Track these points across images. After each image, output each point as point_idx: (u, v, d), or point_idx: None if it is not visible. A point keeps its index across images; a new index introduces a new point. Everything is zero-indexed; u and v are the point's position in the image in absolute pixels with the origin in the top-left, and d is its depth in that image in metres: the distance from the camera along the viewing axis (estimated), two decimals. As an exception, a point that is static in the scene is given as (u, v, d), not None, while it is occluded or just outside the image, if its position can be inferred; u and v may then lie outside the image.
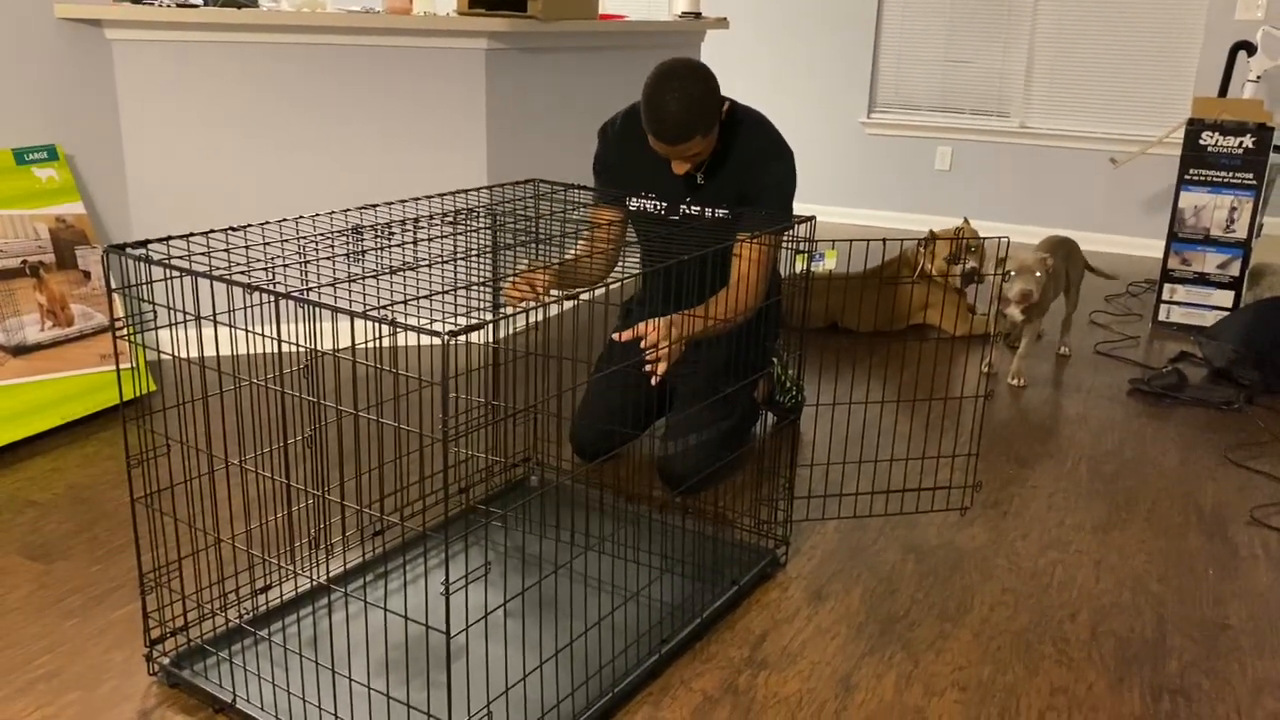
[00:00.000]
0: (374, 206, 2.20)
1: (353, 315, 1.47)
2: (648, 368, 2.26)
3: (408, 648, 1.98)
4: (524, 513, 2.56)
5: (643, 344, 2.28)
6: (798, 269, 2.20)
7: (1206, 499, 2.84)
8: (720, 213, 2.63)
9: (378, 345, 1.87)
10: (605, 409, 2.79)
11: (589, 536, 2.42)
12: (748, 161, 2.63)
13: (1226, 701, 1.98)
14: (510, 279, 2.26)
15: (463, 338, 1.40)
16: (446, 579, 1.44)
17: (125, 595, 2.21)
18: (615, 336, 2.31)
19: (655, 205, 2.71)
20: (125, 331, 1.71)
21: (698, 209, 2.66)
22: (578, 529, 2.47)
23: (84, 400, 3.10)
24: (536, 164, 3.99)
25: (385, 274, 1.64)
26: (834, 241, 2.27)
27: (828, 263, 2.24)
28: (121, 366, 3.19)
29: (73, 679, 1.93)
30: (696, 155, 2.52)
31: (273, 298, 1.59)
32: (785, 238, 2.17)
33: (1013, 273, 3.57)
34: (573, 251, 2.63)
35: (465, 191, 2.48)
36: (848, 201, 6.54)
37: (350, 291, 1.62)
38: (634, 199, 2.72)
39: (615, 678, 1.91)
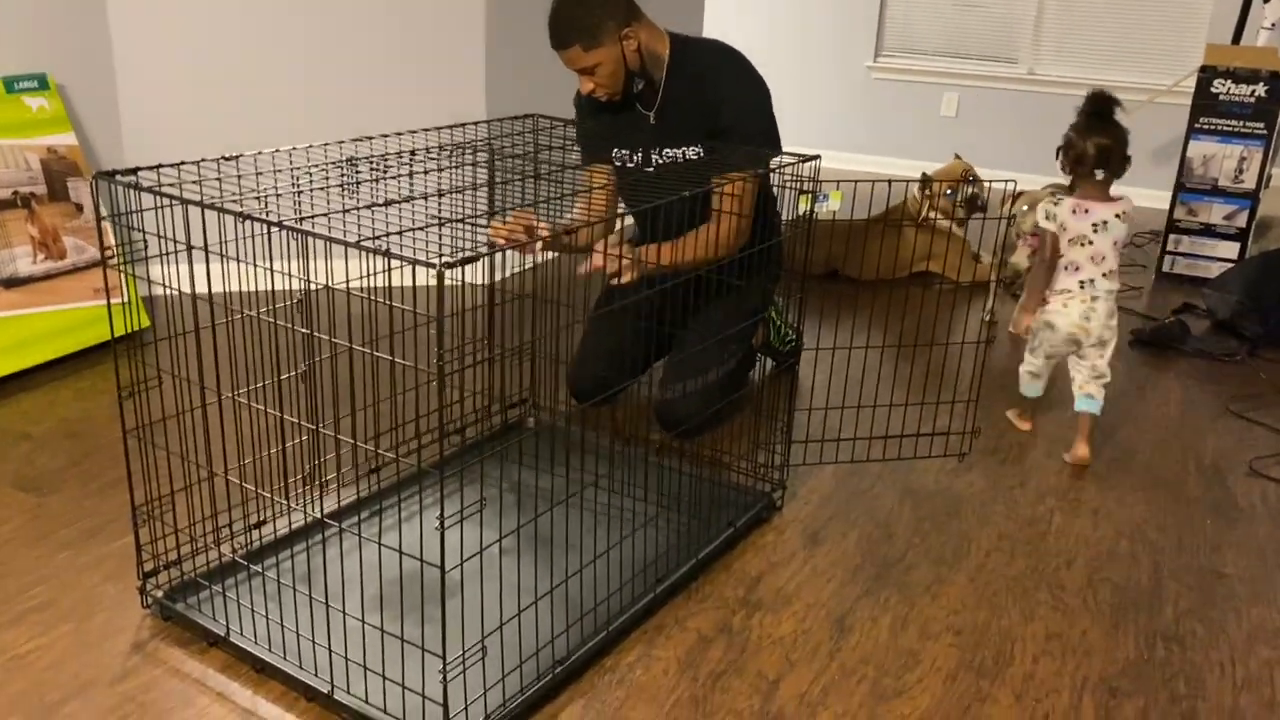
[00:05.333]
0: (369, 139, 2.16)
1: (346, 245, 1.43)
2: (611, 280, 2.25)
3: (402, 583, 1.97)
4: (519, 450, 2.54)
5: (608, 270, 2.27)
6: (801, 210, 2.16)
7: (1206, 449, 2.83)
8: (692, 154, 2.56)
9: (372, 279, 1.84)
10: (603, 353, 2.76)
11: (584, 474, 2.40)
12: (701, 92, 2.53)
13: (1221, 649, 1.98)
14: (502, 218, 2.22)
15: (459, 275, 1.37)
16: (441, 514, 1.42)
17: (119, 529, 2.20)
18: (580, 271, 2.27)
19: (630, 156, 2.65)
20: (116, 261, 1.68)
21: (673, 155, 2.60)
22: (576, 470, 2.45)
23: (77, 334, 3.07)
24: (537, 98, 3.92)
25: (380, 206, 1.61)
26: (839, 182, 2.23)
27: (833, 204, 2.20)
28: (114, 300, 3.16)
29: (65, 611, 1.93)
30: (597, 74, 2.46)
31: (266, 228, 1.55)
32: (790, 177, 2.13)
33: (1025, 208, 3.51)
34: (570, 216, 2.58)
35: (463, 125, 2.43)
36: (852, 147, 6.46)
37: (344, 223, 1.58)
38: (609, 156, 2.67)
39: (610, 615, 1.91)
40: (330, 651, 1.71)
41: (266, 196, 1.66)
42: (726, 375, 2.69)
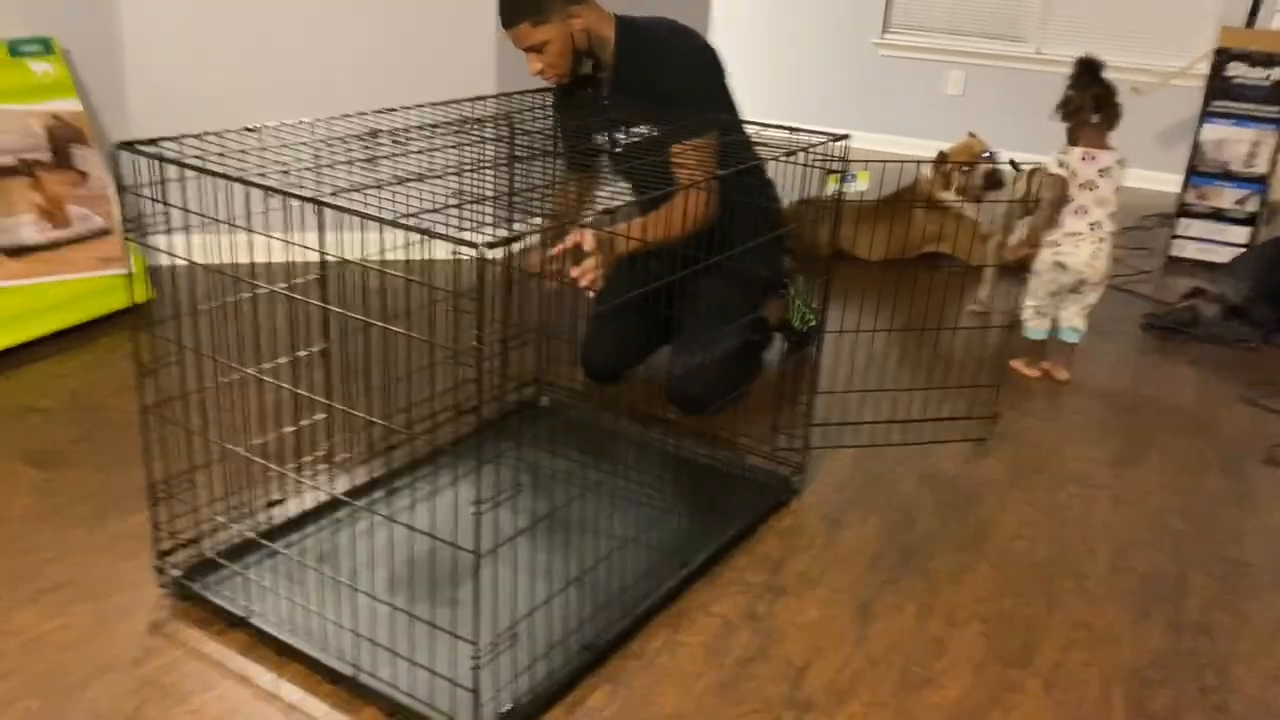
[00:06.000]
0: (390, 110, 2.11)
1: (383, 223, 1.40)
2: (581, 284, 2.21)
3: (428, 565, 1.94)
4: (542, 435, 2.51)
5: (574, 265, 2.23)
6: (829, 191, 2.12)
7: (1222, 437, 2.82)
8: (651, 132, 2.51)
9: (395, 254, 1.81)
10: (611, 334, 2.73)
11: (604, 458, 2.38)
12: (652, 73, 2.51)
13: (1247, 638, 1.97)
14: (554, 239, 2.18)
15: (490, 252, 1.33)
16: (479, 498, 1.39)
17: (132, 505, 2.16)
18: (550, 253, 2.23)
19: (597, 140, 2.61)
20: (135, 234, 1.63)
21: (635, 134, 2.54)
22: (594, 452, 2.42)
23: (84, 305, 3.02)
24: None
25: (414, 180, 1.57)
26: (867, 162, 2.19)
27: (860, 184, 2.16)
28: (121, 271, 3.11)
29: (82, 590, 1.89)
30: (545, 52, 2.44)
31: (292, 201, 1.51)
32: (820, 159, 2.09)
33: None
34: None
35: (483, 98, 2.39)
36: (857, 125, 6.39)
37: (365, 197, 1.54)
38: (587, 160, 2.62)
39: (634, 600, 1.88)
40: (357, 635, 1.69)
41: (292, 170, 1.62)
42: (735, 349, 2.65)
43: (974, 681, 1.81)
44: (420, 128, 2.07)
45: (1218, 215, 4.27)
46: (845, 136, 2.10)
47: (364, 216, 1.40)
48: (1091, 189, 2.95)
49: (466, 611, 1.76)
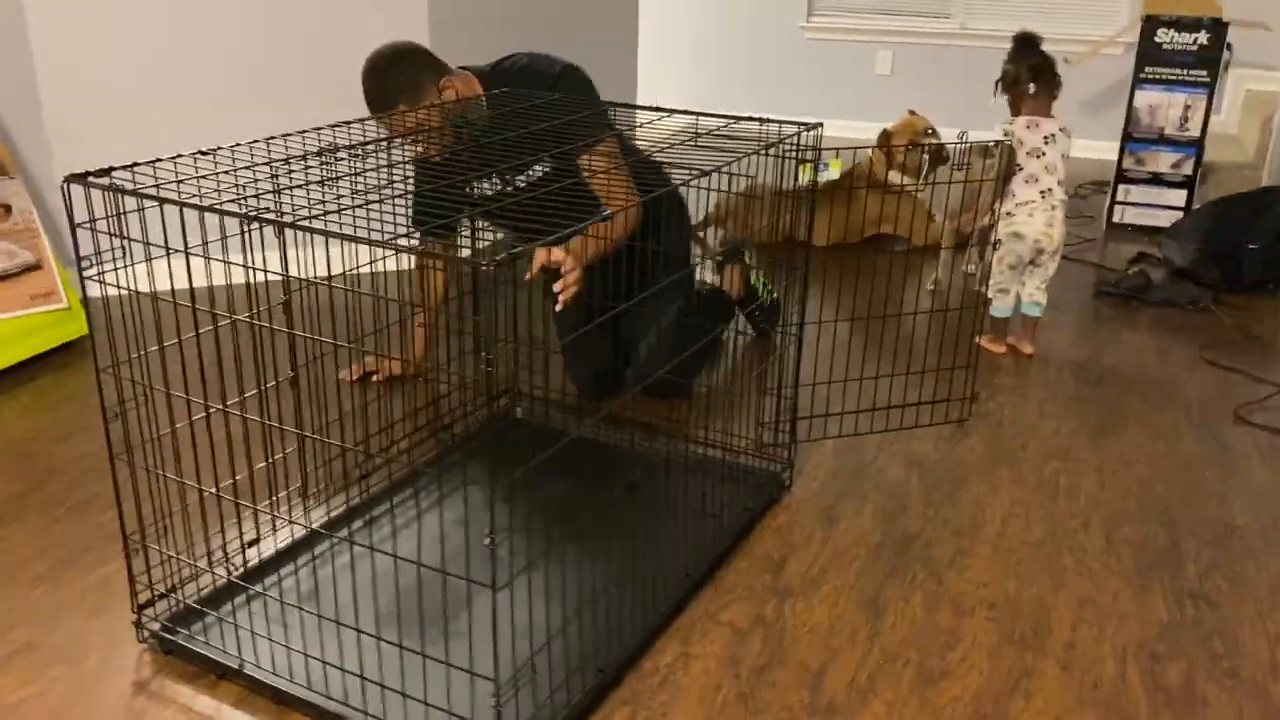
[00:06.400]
0: (347, 124, 2.02)
1: (372, 244, 1.31)
2: (560, 297, 2.14)
3: (417, 595, 1.86)
4: (524, 450, 2.44)
5: (552, 275, 2.15)
6: (803, 180, 2.08)
7: (1191, 400, 2.85)
8: (541, 170, 2.41)
9: (357, 272, 1.72)
10: (594, 349, 2.69)
11: (597, 474, 2.31)
12: (520, 92, 2.42)
13: (1248, 603, 1.98)
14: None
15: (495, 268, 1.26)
16: (492, 528, 1.32)
17: (95, 557, 2.04)
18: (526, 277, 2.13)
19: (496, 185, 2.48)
20: (93, 271, 1.53)
21: (527, 177, 2.44)
22: (580, 464, 2.35)
23: (15, 346, 2.86)
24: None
25: (380, 200, 1.48)
26: (838, 150, 2.15)
27: (832, 173, 2.12)
28: (54, 306, 2.95)
29: (54, 652, 1.78)
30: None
31: (250, 224, 1.42)
32: (793, 149, 2.05)
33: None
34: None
35: (429, 106, 2.30)
36: (788, 110, 6.39)
37: (342, 217, 1.46)
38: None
39: (642, 616, 1.82)
40: (363, 679, 1.60)
41: (259, 194, 1.53)
42: (679, 323, 2.63)
43: (991, 669, 1.78)
44: (373, 142, 1.98)
45: (1156, 180, 4.34)
46: (818, 125, 2.06)
47: (352, 240, 1.31)
48: (1038, 155, 2.99)
49: (480, 647, 1.68)
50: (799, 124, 2.06)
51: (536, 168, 2.38)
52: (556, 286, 2.09)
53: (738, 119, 2.09)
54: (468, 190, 2.35)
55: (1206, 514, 2.28)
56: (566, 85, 2.51)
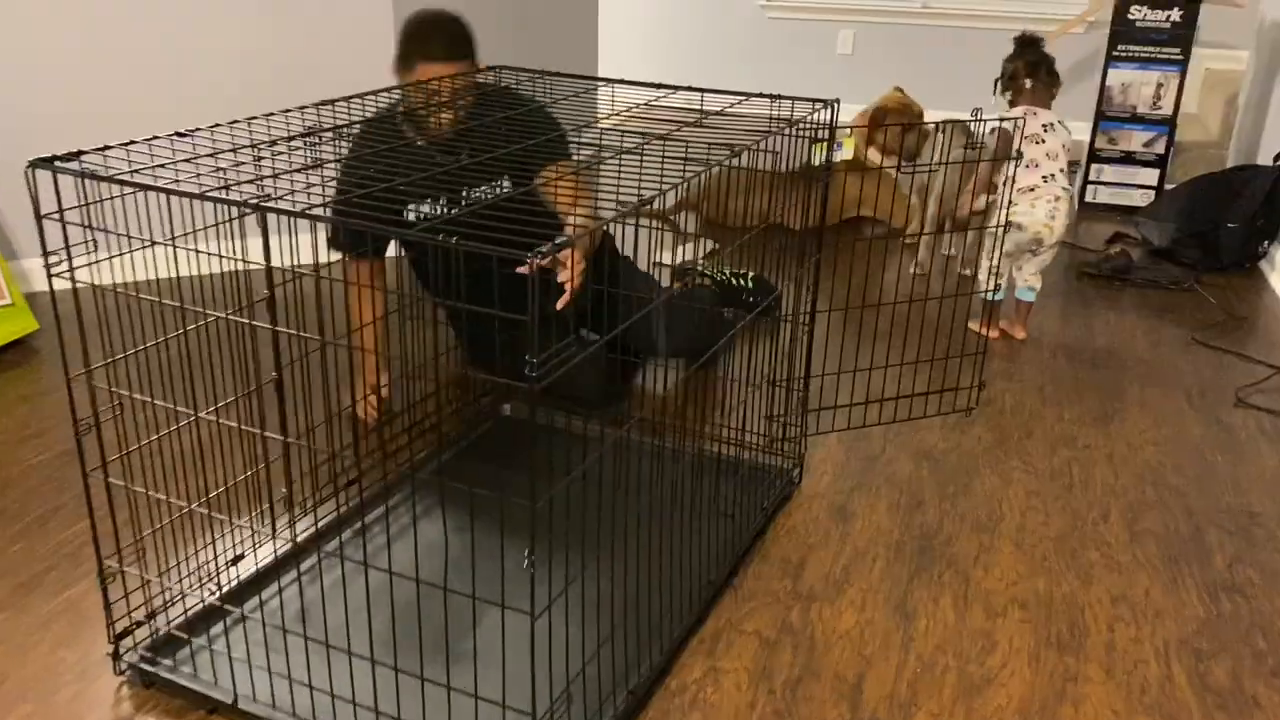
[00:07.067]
0: (331, 102, 1.86)
1: (401, 236, 1.17)
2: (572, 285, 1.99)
3: (414, 613, 1.72)
4: (521, 452, 2.30)
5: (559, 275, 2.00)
6: (817, 160, 1.97)
7: (1189, 383, 2.80)
8: (503, 185, 2.25)
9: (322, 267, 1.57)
10: (596, 362, 2.55)
11: (604, 476, 2.18)
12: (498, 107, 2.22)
13: (1282, 595, 1.92)
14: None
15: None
16: (532, 548, 1.19)
17: (60, 578, 1.87)
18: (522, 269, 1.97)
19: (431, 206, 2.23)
20: (62, 267, 1.37)
21: (482, 193, 2.19)
22: (584, 466, 2.22)
23: (-44, 346, 2.65)
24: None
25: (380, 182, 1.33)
26: (851, 128, 2.05)
27: (845, 152, 2.01)
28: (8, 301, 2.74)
29: (21, 687, 1.61)
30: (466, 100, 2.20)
31: (238, 214, 1.27)
32: (805, 129, 1.93)
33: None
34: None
35: (392, 89, 2.14)
36: (748, 89, 6.28)
37: (323, 206, 1.31)
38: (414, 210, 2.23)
39: (666, 629, 1.71)
40: (378, 713, 1.46)
41: (238, 179, 1.37)
42: (687, 310, 2.58)
43: (1033, 675, 1.70)
44: (351, 124, 1.83)
45: (1128, 158, 4.30)
46: (835, 100, 1.94)
47: (369, 229, 1.17)
48: (1038, 142, 2.94)
49: (514, 676, 1.55)
50: (814, 101, 1.94)
51: (501, 183, 2.21)
52: (561, 275, 1.95)
53: (746, 96, 1.97)
54: (404, 211, 2.16)
55: (1224, 502, 2.23)
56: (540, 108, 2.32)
